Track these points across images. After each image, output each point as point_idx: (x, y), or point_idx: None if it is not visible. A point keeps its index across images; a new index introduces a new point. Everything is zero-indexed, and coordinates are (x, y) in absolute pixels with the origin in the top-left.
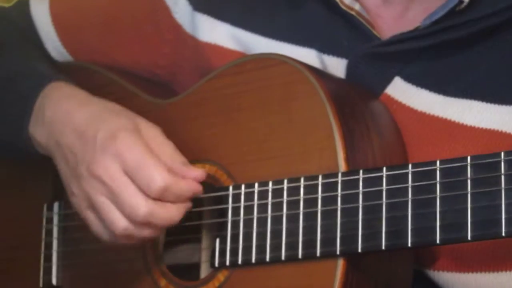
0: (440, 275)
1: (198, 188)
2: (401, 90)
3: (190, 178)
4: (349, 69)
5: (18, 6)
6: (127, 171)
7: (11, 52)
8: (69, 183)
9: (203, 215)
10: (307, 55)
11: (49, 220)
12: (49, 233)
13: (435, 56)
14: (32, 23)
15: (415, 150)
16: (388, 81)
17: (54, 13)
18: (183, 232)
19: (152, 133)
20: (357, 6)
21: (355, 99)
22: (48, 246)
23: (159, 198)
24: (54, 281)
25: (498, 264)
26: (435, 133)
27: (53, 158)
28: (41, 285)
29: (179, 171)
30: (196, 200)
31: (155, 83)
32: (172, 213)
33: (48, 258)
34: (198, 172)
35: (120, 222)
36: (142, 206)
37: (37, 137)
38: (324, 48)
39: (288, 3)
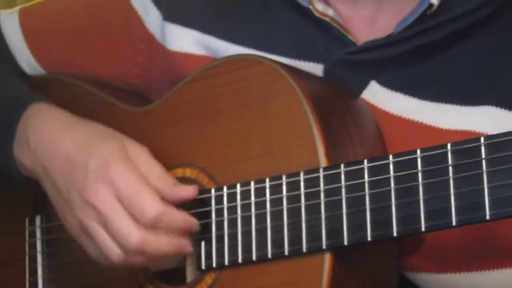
0: (419, 277)
1: (193, 222)
2: (377, 94)
3: (182, 198)
4: (326, 74)
5: None
6: (121, 199)
7: None
8: (61, 210)
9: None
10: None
11: (32, 234)
12: (33, 247)
13: (409, 60)
14: (3, 39)
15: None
16: (364, 85)
17: (25, 28)
18: None
19: (141, 155)
20: (330, 12)
21: (332, 95)
22: (33, 260)
23: (152, 227)
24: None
25: (477, 264)
26: (410, 137)
27: (41, 182)
28: None
29: (171, 194)
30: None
31: (131, 93)
32: (164, 243)
33: (33, 272)
34: (189, 190)
35: (114, 250)
36: (134, 235)
37: (22, 160)
38: (299, 54)
39: (260, 11)
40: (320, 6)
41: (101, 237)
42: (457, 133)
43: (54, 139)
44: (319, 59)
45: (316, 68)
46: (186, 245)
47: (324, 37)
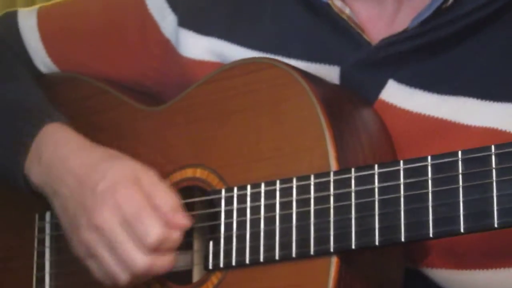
0: (436, 273)
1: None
2: (395, 93)
3: (183, 225)
4: (343, 77)
5: (5, 20)
6: (126, 223)
7: (5, 76)
8: (68, 231)
9: (194, 219)
10: (297, 66)
11: (41, 230)
12: (41, 242)
13: (426, 56)
14: (20, 38)
15: (412, 152)
16: (382, 85)
17: (42, 29)
18: None
19: (149, 178)
20: (347, 11)
21: (344, 100)
22: (41, 255)
23: (156, 249)
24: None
25: (495, 262)
26: (431, 134)
27: (50, 202)
28: None
29: (173, 220)
30: (187, 205)
31: (144, 93)
32: (167, 261)
33: (41, 267)
34: (183, 222)
35: (120, 274)
36: (140, 261)
37: (32, 176)
38: (314, 57)
39: (273, 15)
40: (338, 3)
41: (107, 261)
42: (478, 130)
43: (66, 163)
44: (335, 61)
45: (331, 70)
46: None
47: (338, 38)
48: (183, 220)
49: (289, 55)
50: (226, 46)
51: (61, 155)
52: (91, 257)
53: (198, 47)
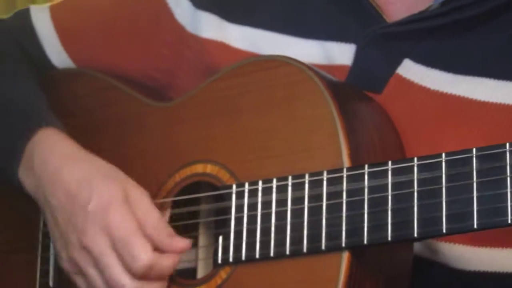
0: (455, 248)
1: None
2: (411, 71)
3: (176, 251)
4: (358, 52)
5: (18, 15)
6: (116, 247)
7: (6, 72)
8: (57, 244)
9: (199, 215)
10: (312, 45)
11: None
12: (46, 235)
13: (444, 35)
14: (34, 31)
15: (429, 127)
16: (398, 63)
17: (55, 19)
18: (180, 232)
19: (141, 200)
20: None
21: (356, 100)
22: (45, 249)
23: (144, 275)
24: (51, 284)
25: None
26: (448, 110)
27: (41, 210)
28: None
29: (165, 246)
30: (194, 200)
31: (153, 90)
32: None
33: (45, 261)
34: (184, 244)
35: None
36: (127, 283)
37: (25, 182)
38: (330, 35)
39: None
40: None
41: (95, 282)
42: (496, 106)
43: (58, 175)
44: (350, 39)
45: (347, 49)
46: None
47: (356, 17)
48: (179, 243)
49: (304, 35)
50: (244, 29)
51: (53, 166)
52: (80, 274)
53: (219, 29)
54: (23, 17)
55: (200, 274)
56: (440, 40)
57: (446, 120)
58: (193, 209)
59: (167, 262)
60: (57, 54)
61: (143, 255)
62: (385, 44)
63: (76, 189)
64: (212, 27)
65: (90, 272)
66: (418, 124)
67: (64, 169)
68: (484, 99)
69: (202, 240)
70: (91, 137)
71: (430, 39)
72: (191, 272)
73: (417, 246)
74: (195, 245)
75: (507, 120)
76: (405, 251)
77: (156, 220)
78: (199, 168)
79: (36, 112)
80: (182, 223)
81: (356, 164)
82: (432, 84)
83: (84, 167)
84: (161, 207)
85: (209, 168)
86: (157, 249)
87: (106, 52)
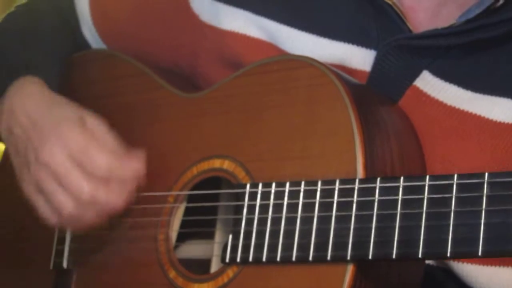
0: (463, 267)
1: (140, 168)
2: (429, 84)
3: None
4: (378, 59)
5: None
6: (73, 157)
7: (38, 39)
8: (19, 170)
9: (218, 211)
10: (333, 47)
11: None
12: None
13: (465, 52)
14: (74, 5)
15: (443, 143)
16: (416, 74)
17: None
18: (197, 225)
19: (97, 124)
20: None
21: (377, 106)
22: (62, 229)
23: (104, 179)
24: (65, 264)
25: None
26: (464, 127)
27: (5, 144)
28: (51, 267)
29: (122, 155)
30: (212, 196)
31: (181, 78)
32: (114, 194)
33: (61, 241)
34: (138, 160)
35: (67, 203)
36: (86, 186)
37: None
38: (352, 39)
39: None
40: None
41: (54, 191)
42: (510, 127)
43: (24, 106)
44: (371, 45)
45: (367, 54)
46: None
47: (379, 23)
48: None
49: (326, 35)
50: (264, 21)
51: (22, 99)
52: (39, 192)
53: (236, 19)
54: None
55: (214, 269)
56: (461, 56)
57: (460, 137)
58: (207, 205)
59: (127, 166)
60: (89, 31)
61: (102, 158)
62: (405, 54)
63: (35, 114)
64: (229, 18)
65: (51, 187)
66: (431, 138)
67: (29, 101)
68: (501, 120)
69: (218, 236)
70: (117, 120)
71: (450, 55)
72: (207, 266)
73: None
74: (212, 239)
75: None
76: (415, 267)
77: (113, 140)
78: (217, 163)
79: (27, 66)
80: (199, 218)
81: (371, 173)
82: (449, 100)
83: (45, 100)
84: (176, 199)
85: (227, 164)
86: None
87: (134, 35)
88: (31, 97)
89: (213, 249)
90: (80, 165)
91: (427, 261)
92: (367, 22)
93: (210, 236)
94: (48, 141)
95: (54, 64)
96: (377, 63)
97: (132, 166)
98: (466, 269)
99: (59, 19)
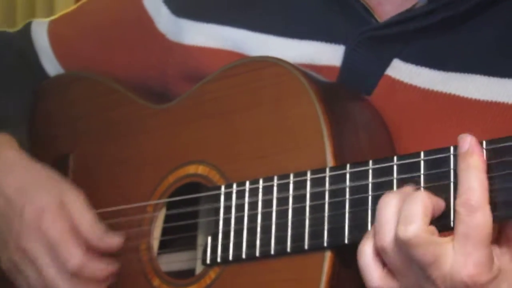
0: None
1: (112, 269)
2: (401, 71)
3: (110, 246)
4: (347, 53)
5: (22, 28)
6: (49, 249)
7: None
8: None
9: (198, 215)
10: (302, 47)
11: None
12: None
13: (433, 33)
14: (31, 40)
15: (423, 128)
16: (387, 63)
17: (50, 31)
18: (178, 231)
19: (74, 204)
20: None
21: (345, 100)
22: None
23: (76, 275)
24: None
25: None
26: (441, 109)
27: None
28: None
29: (98, 243)
30: (191, 200)
31: (151, 93)
32: None
33: None
34: (116, 240)
35: None
36: (61, 281)
37: None
38: (319, 36)
39: None
40: None
41: (33, 282)
42: (489, 104)
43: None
44: (340, 40)
45: (336, 50)
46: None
47: (347, 18)
48: (112, 239)
49: (293, 36)
50: (229, 30)
51: None
52: (18, 272)
53: (199, 33)
54: (25, 29)
55: (198, 272)
56: (429, 38)
57: (437, 119)
58: (189, 210)
59: (98, 265)
60: (51, 64)
61: (74, 256)
62: (374, 45)
63: (14, 196)
64: (193, 33)
65: (28, 273)
66: (410, 124)
67: (2, 177)
68: (476, 97)
69: (200, 240)
70: (90, 141)
71: (420, 38)
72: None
73: None
74: (193, 248)
75: (498, 119)
76: None
77: (89, 221)
78: (191, 169)
79: None
80: (178, 224)
81: (341, 162)
82: (422, 83)
83: (22, 175)
84: (154, 209)
85: (201, 169)
86: (91, 249)
87: (98, 63)
88: (6, 169)
89: (196, 254)
90: (55, 258)
91: None
92: (334, 19)
93: (192, 242)
94: (28, 230)
95: (22, 105)
96: (347, 57)
97: (103, 267)
98: None
99: (14, 56)
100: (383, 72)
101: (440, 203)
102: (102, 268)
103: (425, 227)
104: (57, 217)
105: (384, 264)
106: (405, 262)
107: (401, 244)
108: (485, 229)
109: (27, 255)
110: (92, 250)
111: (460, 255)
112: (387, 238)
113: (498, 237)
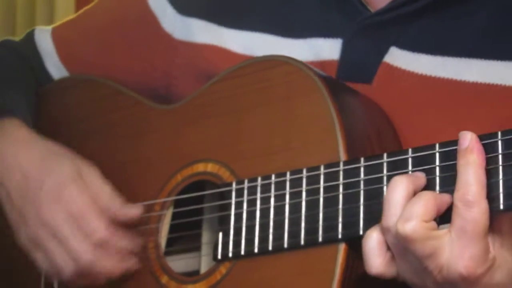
0: None
1: (138, 243)
2: (399, 58)
3: (129, 218)
4: (344, 45)
5: (25, 35)
6: (72, 220)
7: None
8: (14, 222)
9: (204, 213)
10: (300, 46)
11: None
12: None
13: (427, 19)
14: (35, 45)
15: (422, 113)
16: (384, 51)
17: (55, 36)
18: (184, 229)
19: (92, 177)
20: None
21: (350, 95)
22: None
23: (101, 246)
24: (55, 286)
25: None
26: (439, 94)
27: None
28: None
29: (119, 215)
30: (198, 198)
31: (153, 94)
32: (112, 263)
33: None
34: (134, 211)
35: (65, 268)
36: (84, 254)
37: None
38: (317, 32)
39: None
40: None
41: (54, 253)
42: (486, 86)
43: (14, 157)
44: (337, 34)
45: (334, 44)
46: (132, 265)
47: (343, 11)
48: (131, 210)
49: (293, 35)
50: (234, 32)
51: (8, 151)
52: (38, 248)
53: (210, 34)
54: (28, 36)
55: (203, 270)
56: (424, 24)
57: (437, 104)
58: (194, 208)
59: (121, 238)
60: (56, 68)
61: (98, 229)
62: (370, 34)
63: (31, 170)
64: (204, 32)
65: (50, 245)
66: (410, 110)
67: (19, 153)
68: (474, 80)
69: (205, 237)
70: (95, 143)
71: (415, 24)
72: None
73: None
74: (199, 242)
75: (498, 101)
76: None
77: (108, 193)
78: (200, 167)
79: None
80: (185, 220)
81: (353, 157)
82: (420, 69)
83: (38, 150)
84: (162, 207)
85: (210, 167)
86: (113, 222)
87: (102, 63)
88: (22, 146)
89: (201, 249)
90: (79, 229)
91: None
92: (330, 14)
93: (197, 237)
94: (49, 202)
95: (28, 102)
96: (344, 50)
97: (128, 240)
98: None
99: (18, 61)
100: (381, 60)
101: (446, 199)
102: (125, 242)
103: (424, 224)
104: (77, 189)
105: (388, 248)
106: (403, 251)
107: (400, 238)
108: (481, 223)
109: (49, 228)
110: (114, 224)
111: (456, 248)
112: (392, 220)
113: (490, 225)
